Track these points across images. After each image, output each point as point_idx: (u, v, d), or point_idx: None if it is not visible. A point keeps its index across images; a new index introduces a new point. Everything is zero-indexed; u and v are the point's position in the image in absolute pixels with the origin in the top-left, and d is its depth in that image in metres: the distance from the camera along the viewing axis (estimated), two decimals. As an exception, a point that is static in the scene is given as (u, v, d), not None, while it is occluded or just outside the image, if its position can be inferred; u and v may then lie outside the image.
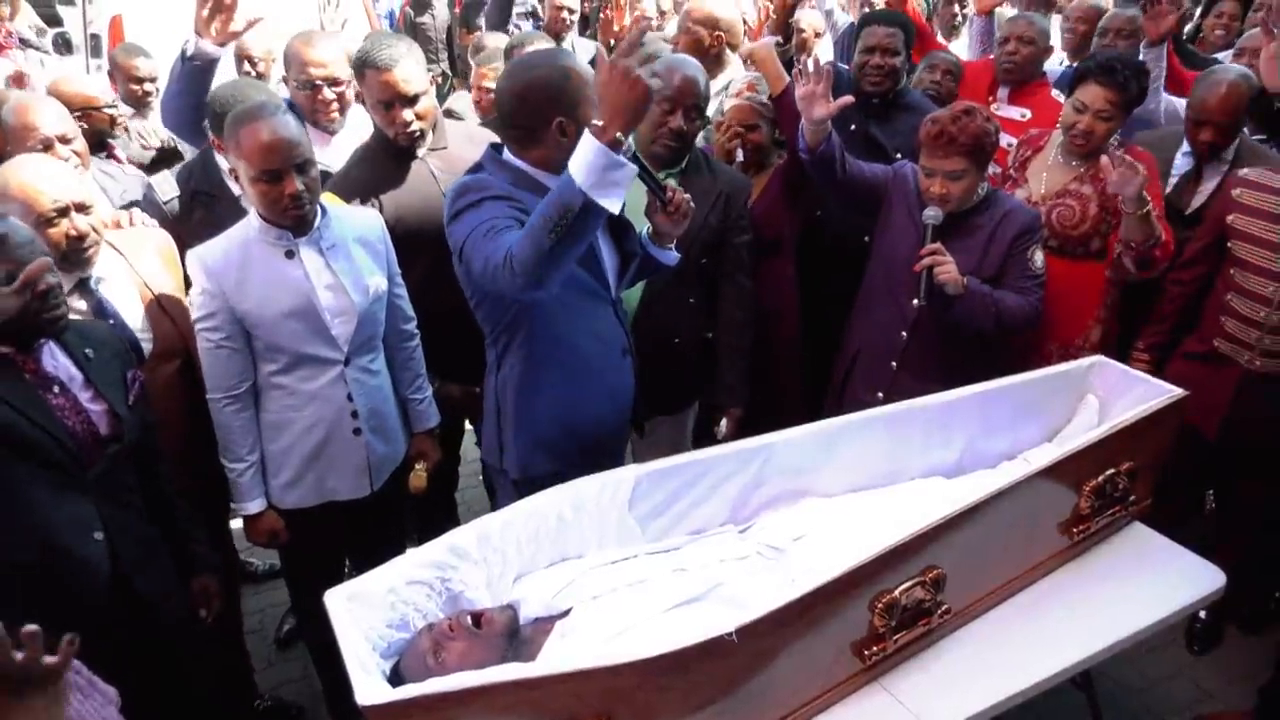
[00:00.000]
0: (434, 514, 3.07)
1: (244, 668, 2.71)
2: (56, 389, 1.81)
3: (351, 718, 2.53)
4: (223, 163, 2.61)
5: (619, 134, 1.61)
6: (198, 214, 2.60)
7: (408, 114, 2.39)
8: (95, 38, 6.64)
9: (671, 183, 2.03)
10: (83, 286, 2.12)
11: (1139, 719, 2.67)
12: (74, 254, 2.05)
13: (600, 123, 1.62)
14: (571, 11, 4.81)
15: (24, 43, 7.48)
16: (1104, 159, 2.52)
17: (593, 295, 2.07)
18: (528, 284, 1.72)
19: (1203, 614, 2.89)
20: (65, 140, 2.45)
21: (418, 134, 2.44)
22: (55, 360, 1.84)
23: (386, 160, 2.50)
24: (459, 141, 2.61)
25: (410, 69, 2.37)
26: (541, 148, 1.89)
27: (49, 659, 1.20)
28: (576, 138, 1.69)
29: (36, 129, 2.42)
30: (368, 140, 2.59)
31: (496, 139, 2.09)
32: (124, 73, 3.55)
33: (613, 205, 1.65)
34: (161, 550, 2.03)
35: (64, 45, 6.80)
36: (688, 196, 2.01)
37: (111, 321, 2.15)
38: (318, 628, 2.39)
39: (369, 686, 1.44)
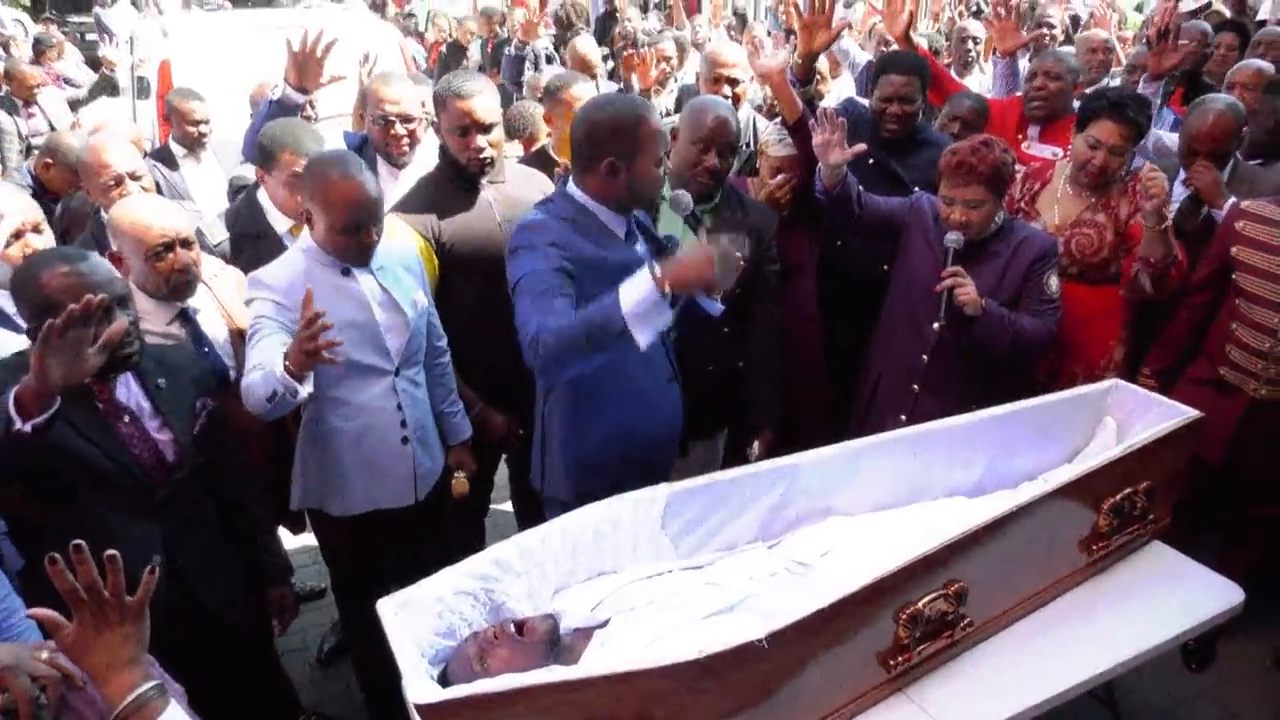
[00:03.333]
0: (464, 534, 3.15)
1: (285, 682, 2.80)
2: (127, 418, 1.94)
3: (392, 731, 2.64)
4: (266, 204, 2.77)
5: (671, 290, 1.80)
6: (245, 255, 2.75)
7: (481, 140, 2.58)
8: (142, 80, 6.92)
9: (725, 238, 2.14)
10: (183, 316, 2.29)
11: (1165, 739, 2.71)
12: (179, 286, 2.22)
13: (664, 275, 1.78)
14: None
15: (67, 81, 7.83)
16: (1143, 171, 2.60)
17: None
18: (545, 366, 1.92)
19: None
20: (135, 177, 2.64)
21: (488, 160, 2.63)
22: (128, 389, 1.96)
23: (450, 186, 2.67)
24: (517, 180, 2.79)
25: (487, 101, 2.58)
26: (596, 180, 2.05)
27: (130, 598, 1.26)
28: (627, 180, 1.94)
29: (109, 166, 2.61)
30: (433, 169, 2.76)
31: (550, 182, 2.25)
32: (181, 116, 3.75)
33: (642, 341, 1.82)
34: (228, 565, 2.14)
35: (110, 87, 7.10)
36: (739, 254, 2.13)
37: (206, 349, 2.31)
38: (363, 640, 2.51)
39: (421, 687, 1.53)
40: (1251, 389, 2.67)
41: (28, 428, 1.62)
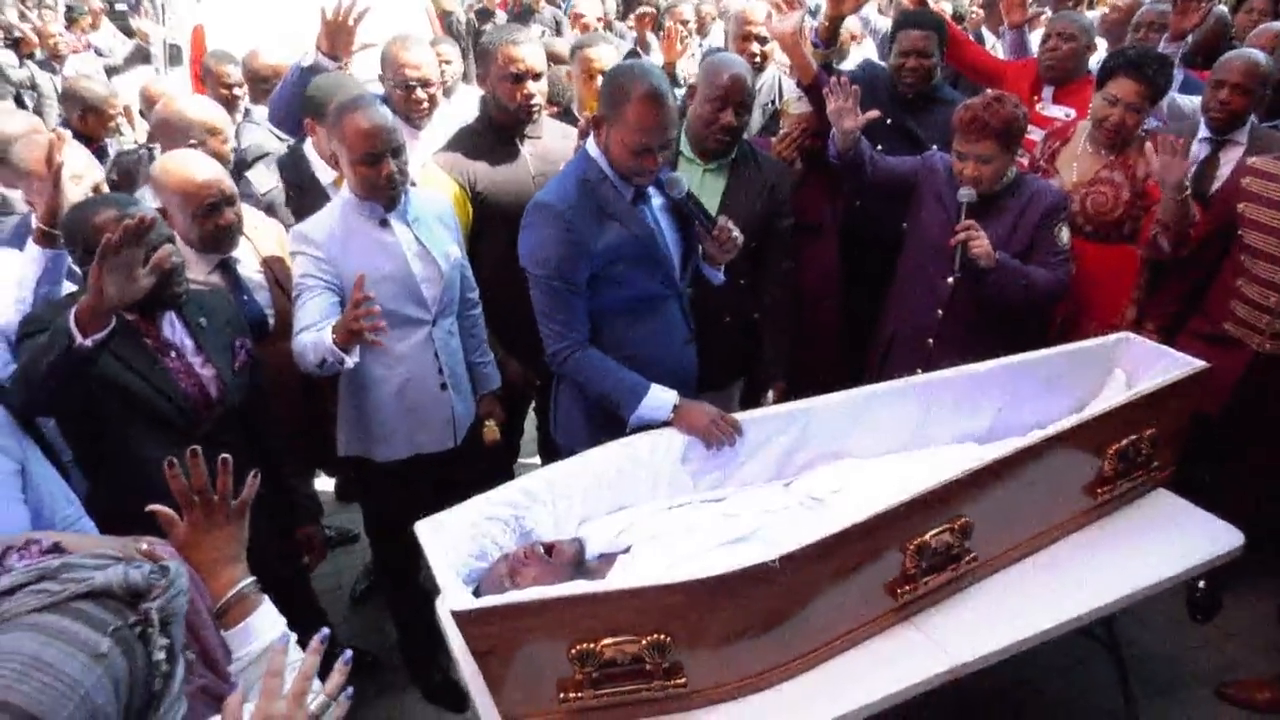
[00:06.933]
0: (495, 480, 3.28)
1: (321, 617, 2.94)
2: (173, 354, 2.07)
3: (419, 663, 2.78)
4: (311, 157, 2.87)
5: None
6: (293, 204, 2.85)
7: (532, 86, 2.73)
8: (175, 47, 7.03)
9: (722, 219, 2.24)
10: (224, 266, 2.40)
11: (1167, 686, 2.78)
12: (223, 241, 2.32)
13: (676, 417, 2.20)
14: (597, 19, 5.13)
15: (98, 52, 7.96)
16: (1148, 145, 2.65)
17: (660, 299, 2.28)
18: (557, 372, 2.28)
19: (1201, 583, 3.01)
20: (214, 132, 2.77)
21: (537, 107, 2.77)
22: (173, 327, 2.09)
23: (489, 137, 2.80)
24: (554, 136, 2.91)
25: (536, 49, 2.74)
26: (600, 136, 2.17)
27: (234, 501, 1.40)
28: (605, 141, 2.10)
29: (222, 132, 2.76)
30: (473, 121, 2.87)
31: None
32: (215, 78, 3.85)
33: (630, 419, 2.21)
34: (260, 502, 2.25)
35: (145, 57, 7.23)
36: (736, 234, 2.26)
37: (246, 298, 2.42)
38: (397, 580, 2.64)
39: (458, 596, 1.65)
40: (1256, 343, 2.72)
41: (89, 342, 1.76)
